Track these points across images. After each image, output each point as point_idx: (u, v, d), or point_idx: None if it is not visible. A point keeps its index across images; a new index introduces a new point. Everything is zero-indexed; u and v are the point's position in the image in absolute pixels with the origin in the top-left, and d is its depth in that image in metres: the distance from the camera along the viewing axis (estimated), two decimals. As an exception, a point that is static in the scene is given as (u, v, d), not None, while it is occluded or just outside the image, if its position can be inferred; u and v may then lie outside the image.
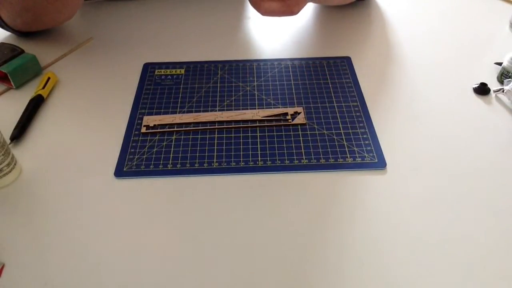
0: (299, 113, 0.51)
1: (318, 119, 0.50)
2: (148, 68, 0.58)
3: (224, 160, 0.46)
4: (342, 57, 0.60)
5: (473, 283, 0.36)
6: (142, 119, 0.51)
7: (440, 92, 0.54)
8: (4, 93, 0.55)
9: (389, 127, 0.50)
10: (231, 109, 0.52)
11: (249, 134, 0.49)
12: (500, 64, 0.57)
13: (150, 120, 0.50)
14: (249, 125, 0.50)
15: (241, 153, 0.46)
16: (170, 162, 0.46)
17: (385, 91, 0.55)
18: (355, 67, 0.58)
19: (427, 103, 0.53)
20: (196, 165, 0.45)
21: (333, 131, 0.49)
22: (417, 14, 0.70)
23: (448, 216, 0.41)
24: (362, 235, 0.39)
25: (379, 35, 0.65)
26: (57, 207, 0.42)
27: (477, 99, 0.53)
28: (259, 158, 0.46)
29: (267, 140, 0.48)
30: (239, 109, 0.52)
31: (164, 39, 0.64)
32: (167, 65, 0.59)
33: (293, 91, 0.54)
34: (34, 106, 0.51)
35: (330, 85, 0.55)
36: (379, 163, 0.45)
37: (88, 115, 0.52)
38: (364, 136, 0.48)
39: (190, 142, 0.48)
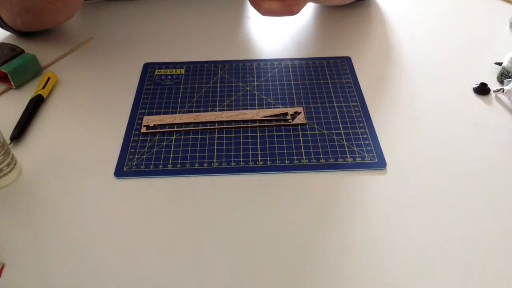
0: (299, 113, 0.51)
1: (318, 119, 0.50)
2: (148, 68, 0.58)
3: (224, 160, 0.46)
4: (342, 57, 0.60)
5: (473, 283, 0.36)
6: (142, 119, 0.51)
7: (440, 92, 0.54)
8: (4, 93, 0.55)
9: (389, 127, 0.50)
10: (231, 109, 0.52)
11: (249, 134, 0.49)
12: (500, 64, 0.57)
13: (150, 120, 0.50)
14: (249, 125, 0.50)
15: (241, 153, 0.46)
16: (170, 162, 0.46)
17: (385, 91, 0.55)
18: (355, 67, 0.58)
19: (427, 103, 0.53)
20: (196, 165, 0.45)
21: (333, 131, 0.49)
22: (417, 14, 0.70)
23: (448, 216, 0.41)
24: (362, 235, 0.39)
25: (379, 35, 0.65)
26: (57, 207, 0.42)
27: (477, 99, 0.53)
28: (259, 158, 0.46)
29: (267, 140, 0.48)
30: (239, 109, 0.52)
31: (164, 39, 0.64)
32: (167, 65, 0.59)
33: (293, 91, 0.54)
34: (34, 106, 0.51)
35: (330, 85, 0.55)
36: (379, 163, 0.45)
37: (88, 115, 0.52)
38: (364, 136, 0.48)
39: (190, 142, 0.48)
